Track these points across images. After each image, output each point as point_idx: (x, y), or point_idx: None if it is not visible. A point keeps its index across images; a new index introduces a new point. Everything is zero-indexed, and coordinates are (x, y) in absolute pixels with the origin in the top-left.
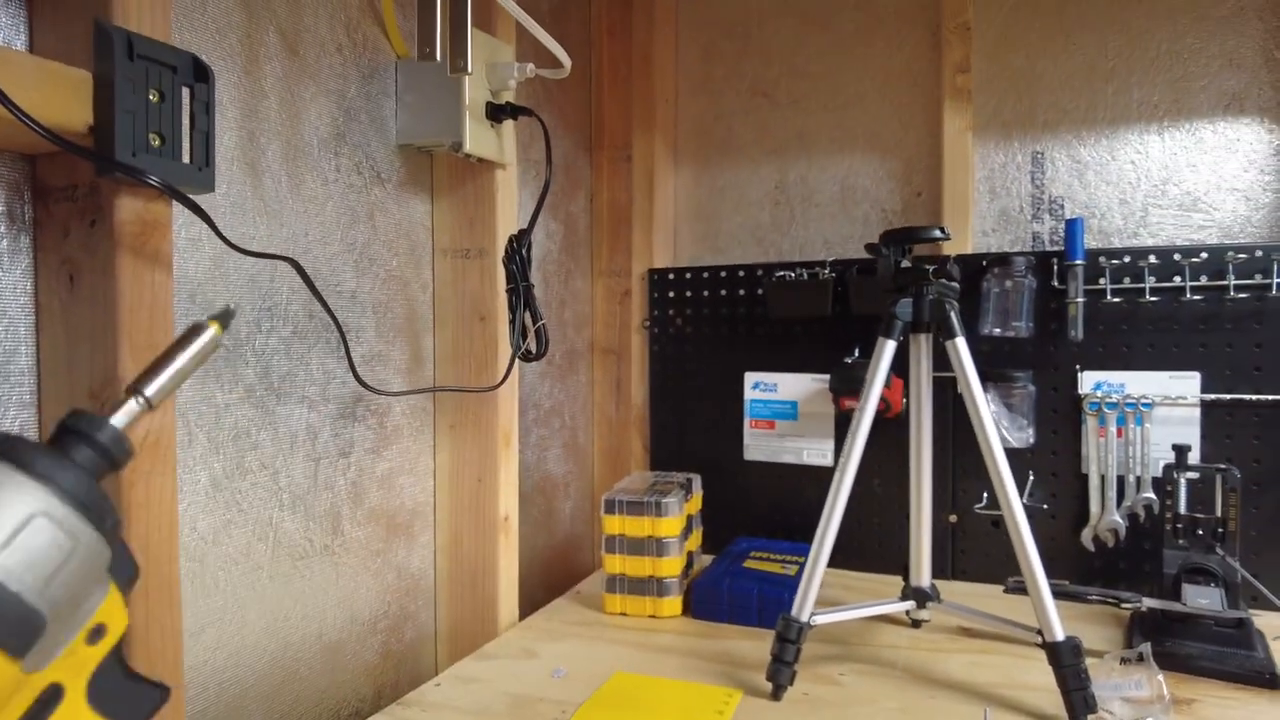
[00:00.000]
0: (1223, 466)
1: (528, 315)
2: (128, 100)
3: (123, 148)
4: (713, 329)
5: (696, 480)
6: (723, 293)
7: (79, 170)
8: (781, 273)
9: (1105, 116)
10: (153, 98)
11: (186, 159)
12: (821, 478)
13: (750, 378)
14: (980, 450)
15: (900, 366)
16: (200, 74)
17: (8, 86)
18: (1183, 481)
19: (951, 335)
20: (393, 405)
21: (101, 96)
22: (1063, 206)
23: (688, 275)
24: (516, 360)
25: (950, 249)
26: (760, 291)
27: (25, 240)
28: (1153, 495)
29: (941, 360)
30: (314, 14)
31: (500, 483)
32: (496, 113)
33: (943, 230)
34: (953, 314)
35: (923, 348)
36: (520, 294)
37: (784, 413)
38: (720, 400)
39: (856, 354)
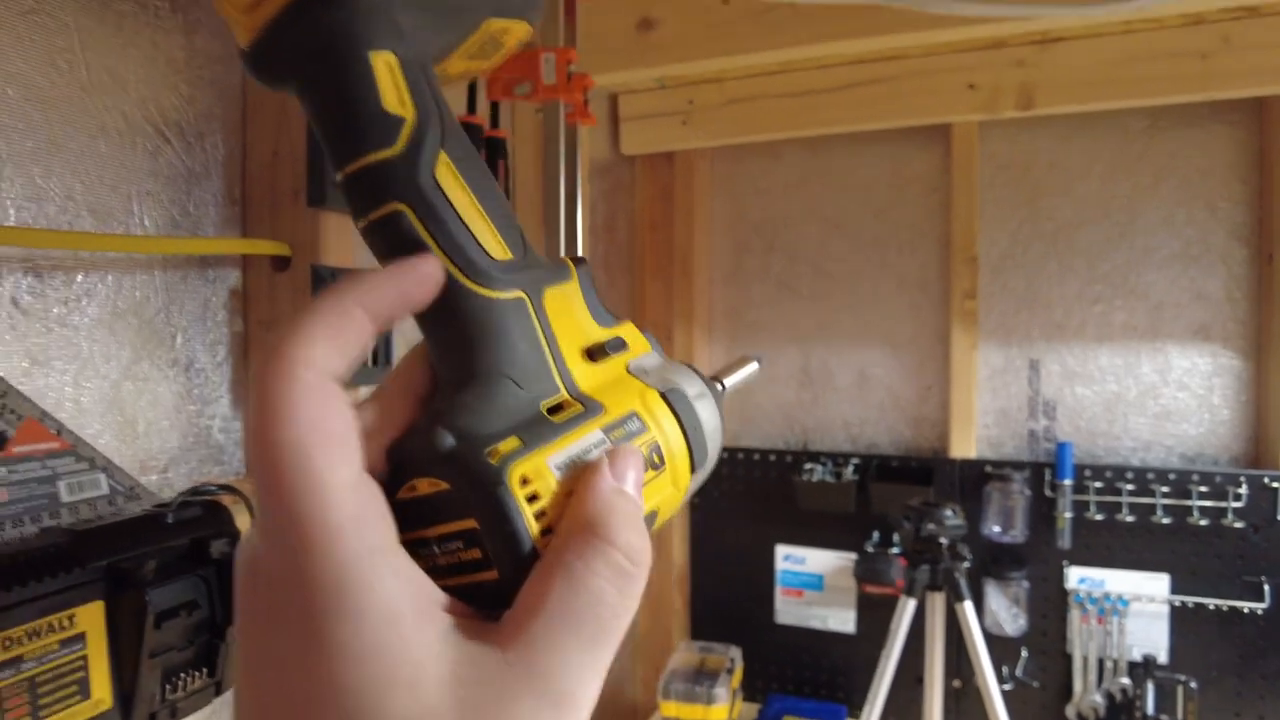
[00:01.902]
0: (1183, 678)
1: None
2: None
3: None
4: (746, 504)
5: (738, 655)
6: (756, 474)
7: None
8: (810, 466)
9: (1093, 334)
10: None
11: None
12: (845, 643)
13: (781, 550)
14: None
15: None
16: None
17: None
18: (1150, 687)
19: (961, 599)
20: None
21: None
22: (1055, 409)
23: (724, 455)
24: None
25: (955, 452)
26: (789, 475)
27: None
28: (1128, 680)
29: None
30: None
31: None
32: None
33: (954, 511)
34: (962, 581)
35: (937, 605)
36: None
37: (811, 584)
38: (754, 567)
39: (876, 538)
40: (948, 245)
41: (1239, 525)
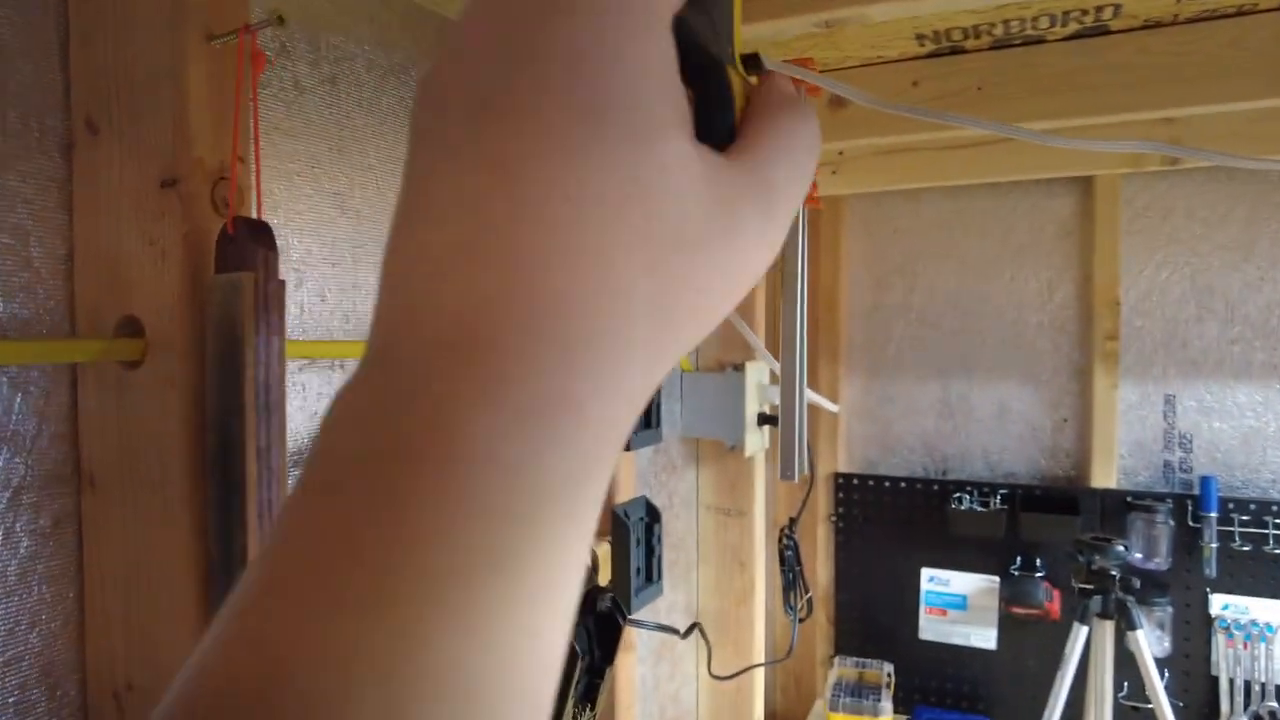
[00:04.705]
0: None
1: (795, 594)
2: (636, 559)
3: (636, 601)
4: (890, 529)
5: (890, 669)
6: (901, 501)
7: None
8: (959, 495)
9: (1230, 371)
10: (635, 542)
11: (645, 579)
12: (985, 659)
13: (926, 572)
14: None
15: (1054, 577)
16: (653, 514)
17: None
18: None
19: (1133, 627)
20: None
21: (619, 565)
22: (1191, 441)
23: (870, 482)
24: (796, 624)
25: (1096, 482)
26: (934, 502)
27: None
28: (1276, 704)
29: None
30: None
31: (755, 690)
32: (763, 421)
33: (1125, 546)
34: (1132, 610)
35: (1107, 633)
36: (796, 576)
37: (955, 603)
38: (899, 588)
39: (1020, 562)
40: (1086, 285)
41: None
